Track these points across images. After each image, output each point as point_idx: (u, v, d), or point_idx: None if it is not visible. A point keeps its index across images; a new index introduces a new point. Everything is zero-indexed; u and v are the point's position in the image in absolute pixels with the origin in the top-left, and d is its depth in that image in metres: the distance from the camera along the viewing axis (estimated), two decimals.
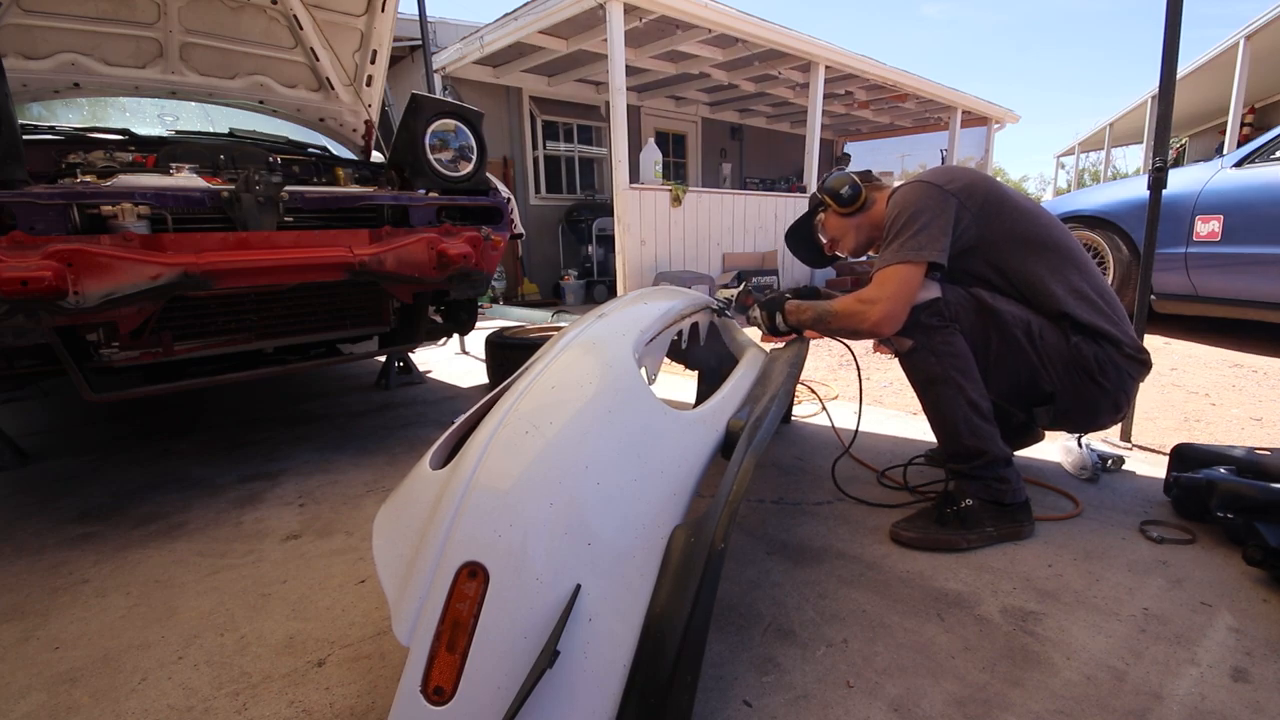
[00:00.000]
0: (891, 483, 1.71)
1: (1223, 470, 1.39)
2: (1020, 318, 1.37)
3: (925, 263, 1.31)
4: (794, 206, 6.89)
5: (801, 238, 1.78)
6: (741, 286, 1.85)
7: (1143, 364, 1.40)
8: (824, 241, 1.70)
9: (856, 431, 1.85)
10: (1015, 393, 1.43)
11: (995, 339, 1.37)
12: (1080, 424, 1.49)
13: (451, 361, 3.60)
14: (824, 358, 3.27)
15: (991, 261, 1.41)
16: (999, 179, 1.57)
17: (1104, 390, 1.37)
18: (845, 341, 1.70)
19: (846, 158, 9.81)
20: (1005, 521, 1.37)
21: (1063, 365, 1.37)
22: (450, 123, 2.12)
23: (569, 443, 0.86)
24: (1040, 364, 1.37)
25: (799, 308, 1.51)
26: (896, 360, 1.50)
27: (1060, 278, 1.38)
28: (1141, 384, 1.45)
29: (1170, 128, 1.77)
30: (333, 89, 2.80)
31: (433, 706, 0.68)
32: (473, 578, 0.72)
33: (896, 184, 1.51)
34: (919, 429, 2.07)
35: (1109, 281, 3.70)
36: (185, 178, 1.78)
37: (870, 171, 1.64)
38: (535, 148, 7.33)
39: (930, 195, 1.36)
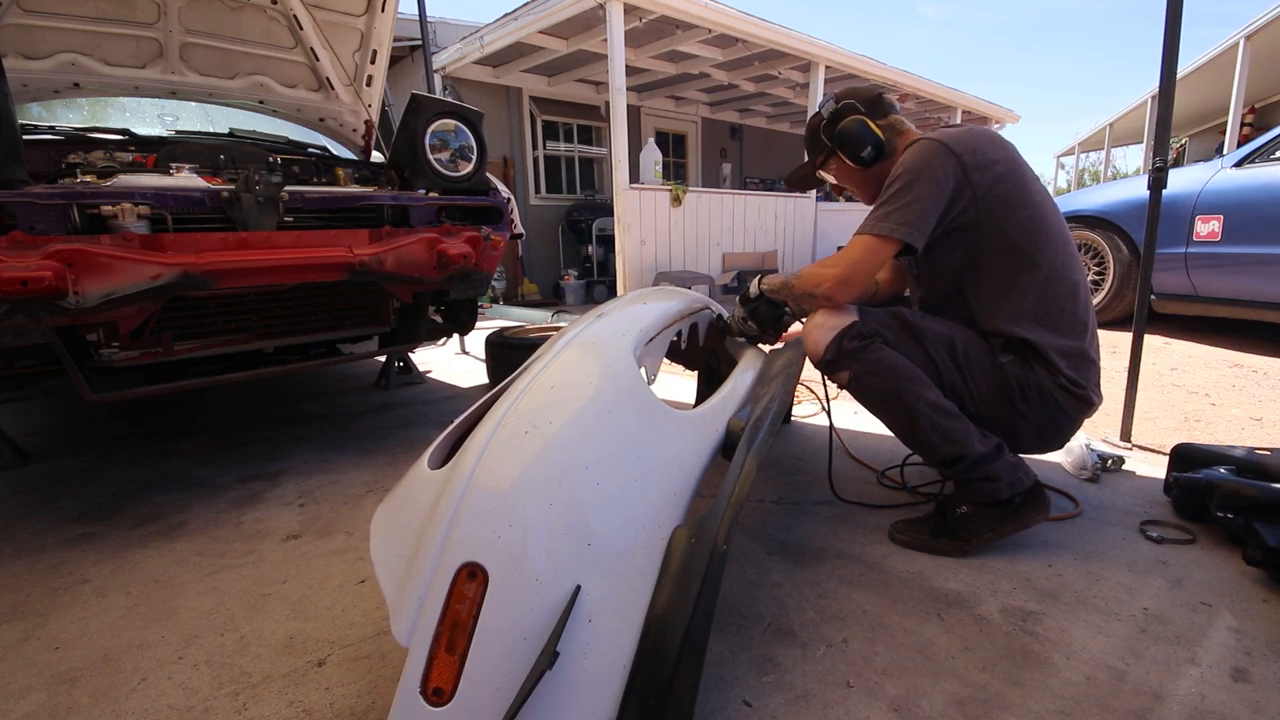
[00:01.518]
0: (891, 483, 1.71)
1: (1223, 470, 1.39)
2: (943, 334, 1.32)
3: (898, 241, 1.24)
4: (794, 206, 6.89)
5: (799, 179, 1.65)
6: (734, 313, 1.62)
7: (1080, 400, 1.30)
8: (828, 180, 1.57)
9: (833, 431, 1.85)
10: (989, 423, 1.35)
11: (920, 355, 1.31)
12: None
13: (451, 361, 3.60)
14: None
15: (971, 254, 1.32)
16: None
17: (1023, 417, 1.31)
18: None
19: None
20: (1007, 520, 1.29)
21: (986, 386, 1.30)
22: (450, 123, 2.12)
23: (569, 443, 0.86)
24: (963, 383, 1.31)
25: (770, 279, 1.49)
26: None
27: (1029, 298, 1.29)
28: (1086, 419, 1.37)
29: (1170, 128, 1.77)
30: (333, 89, 2.80)
31: (432, 707, 0.68)
32: (472, 578, 0.72)
33: (917, 136, 1.36)
34: None
35: (1108, 282, 3.72)
36: (185, 178, 1.78)
37: (884, 97, 1.44)
38: (535, 148, 7.33)
39: (936, 162, 1.25)
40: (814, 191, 7.09)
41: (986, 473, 1.28)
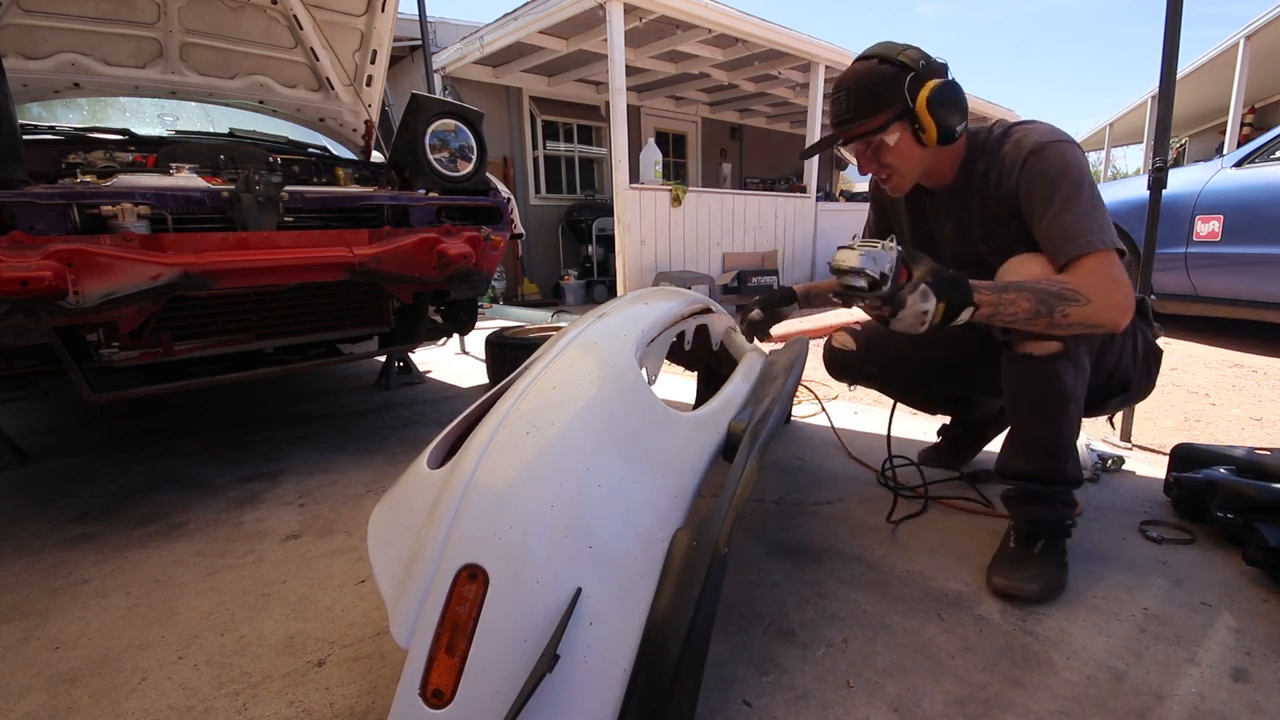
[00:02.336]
0: (893, 482, 1.71)
1: (1223, 470, 1.39)
2: None
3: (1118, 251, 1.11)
4: (794, 207, 6.89)
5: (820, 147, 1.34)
6: (891, 244, 1.06)
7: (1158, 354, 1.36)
8: (852, 161, 1.37)
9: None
10: (1095, 391, 1.26)
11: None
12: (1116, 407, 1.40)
13: (451, 361, 3.60)
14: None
15: None
16: None
17: (1139, 384, 1.33)
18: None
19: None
20: (1068, 535, 1.25)
21: (1133, 347, 1.28)
22: (450, 123, 2.12)
23: (570, 443, 0.86)
24: (1124, 349, 1.27)
25: (994, 298, 1.04)
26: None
27: None
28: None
29: (1170, 128, 1.77)
30: (333, 89, 2.80)
31: (431, 709, 0.67)
32: (472, 580, 0.72)
33: (1016, 121, 1.24)
34: (919, 428, 2.07)
35: None
36: (185, 178, 1.78)
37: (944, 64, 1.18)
38: (535, 148, 7.33)
39: (1084, 161, 1.16)
40: (814, 191, 7.09)
41: (1073, 498, 1.23)
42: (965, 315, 1.02)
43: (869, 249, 1.03)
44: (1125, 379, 1.29)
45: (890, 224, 1.52)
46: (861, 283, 1.03)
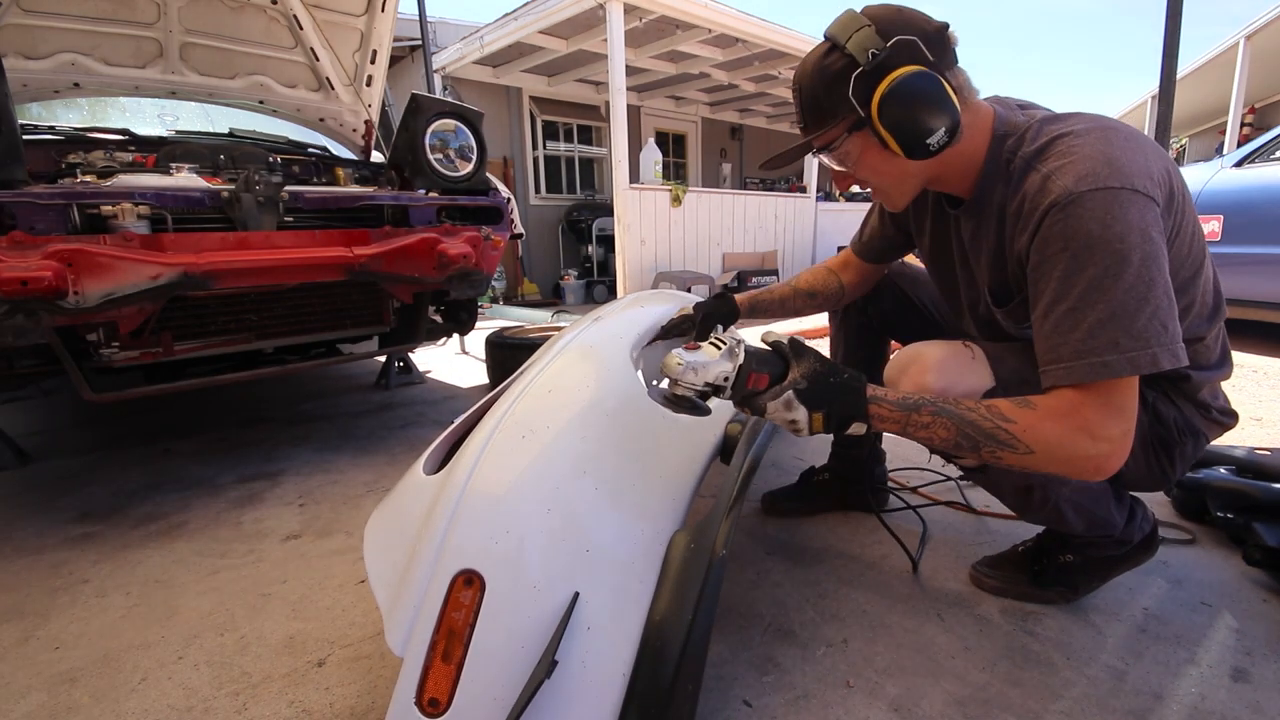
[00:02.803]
0: (893, 484, 1.71)
1: (1223, 470, 1.39)
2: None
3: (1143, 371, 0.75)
4: (794, 207, 6.89)
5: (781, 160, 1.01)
6: (733, 346, 0.86)
7: (1223, 427, 1.01)
8: (833, 172, 1.01)
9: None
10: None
11: None
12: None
13: (451, 361, 3.60)
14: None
15: None
16: None
17: (1173, 465, 1.00)
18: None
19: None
20: (1119, 565, 1.12)
21: (1138, 437, 0.91)
22: (450, 123, 2.12)
23: (566, 447, 0.85)
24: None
25: (901, 416, 0.82)
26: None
27: (1187, 318, 0.91)
28: None
29: (1170, 128, 1.77)
30: (333, 89, 2.80)
31: (428, 719, 0.67)
32: (468, 585, 0.71)
33: (990, 113, 0.91)
34: None
35: None
36: (185, 178, 1.78)
37: (947, 31, 0.84)
38: (535, 148, 7.33)
39: (1143, 219, 0.76)
40: (814, 191, 7.09)
41: (1119, 539, 1.08)
42: (856, 429, 0.83)
43: (697, 356, 0.85)
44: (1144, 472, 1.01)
45: (895, 232, 1.22)
46: (688, 393, 0.85)
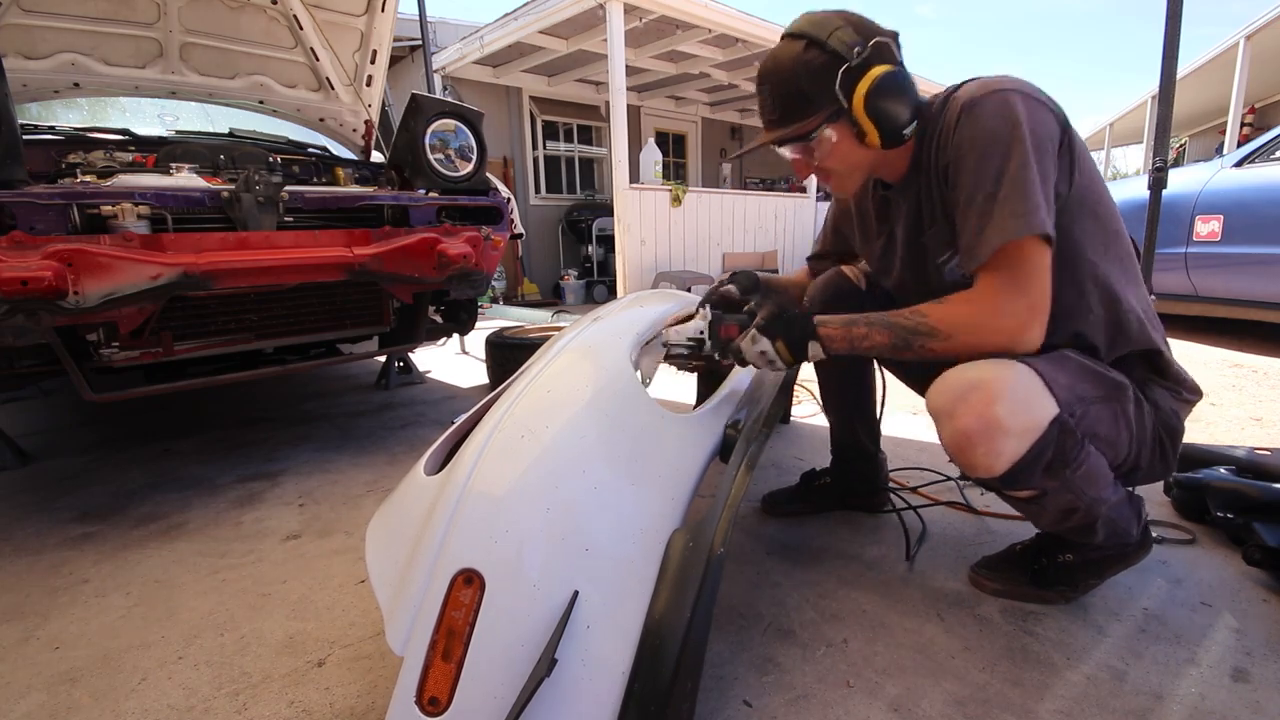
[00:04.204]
0: (893, 484, 1.71)
1: (1223, 470, 1.39)
2: (1122, 383, 0.97)
3: (1043, 237, 0.85)
4: (794, 206, 6.89)
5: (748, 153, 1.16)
6: (704, 311, 1.15)
7: (1192, 405, 1.06)
8: (794, 160, 1.06)
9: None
10: None
11: (1112, 425, 0.95)
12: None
13: (451, 361, 3.60)
14: None
15: (1068, 251, 0.93)
16: None
17: (1175, 450, 1.04)
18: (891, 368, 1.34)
19: None
20: (1116, 563, 1.11)
21: (1149, 429, 0.99)
22: (450, 123, 2.12)
23: (565, 447, 0.85)
24: (1137, 436, 0.98)
25: (844, 331, 0.97)
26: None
27: (1132, 287, 0.98)
28: None
29: (1170, 128, 1.77)
30: (333, 89, 2.81)
31: (428, 717, 0.67)
32: (468, 585, 0.71)
33: (944, 88, 0.99)
34: (917, 429, 2.07)
35: None
36: (185, 178, 1.78)
37: (898, 41, 0.95)
38: (535, 148, 7.33)
39: (1034, 116, 0.87)
40: (814, 191, 7.09)
41: (1122, 537, 1.07)
42: (815, 350, 0.99)
43: (683, 325, 1.16)
44: (1133, 464, 1.01)
45: (849, 233, 1.29)
46: (682, 351, 1.16)
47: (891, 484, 1.70)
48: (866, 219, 1.21)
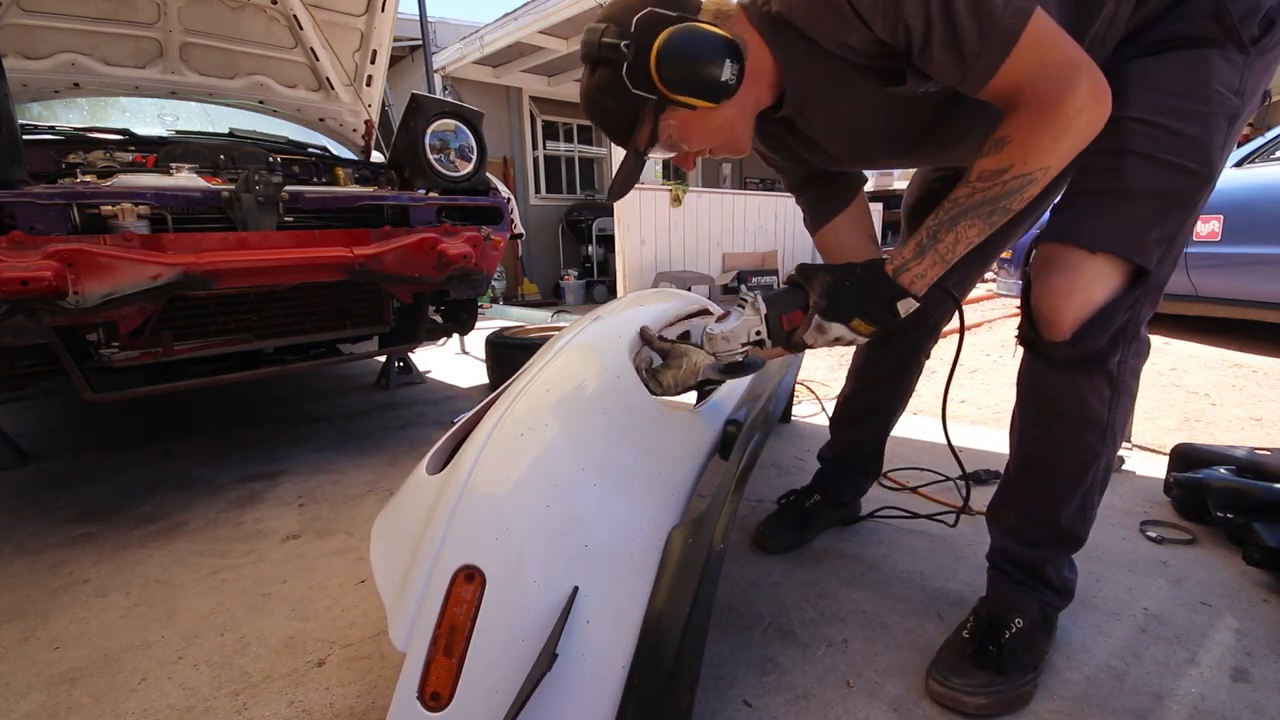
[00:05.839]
0: (893, 484, 1.71)
1: (1223, 470, 1.39)
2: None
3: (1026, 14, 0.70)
4: (794, 207, 6.86)
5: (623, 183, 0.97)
6: (750, 305, 0.94)
7: None
8: (673, 158, 0.96)
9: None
10: None
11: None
12: None
13: (451, 361, 3.60)
14: (823, 357, 3.27)
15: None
16: None
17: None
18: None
19: None
20: (1051, 632, 1.00)
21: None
22: (450, 123, 2.12)
23: (565, 445, 0.86)
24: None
25: (930, 259, 0.82)
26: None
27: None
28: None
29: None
30: (333, 89, 2.81)
31: (430, 712, 0.67)
32: (469, 581, 0.72)
33: (759, 5, 0.86)
34: (917, 429, 2.07)
35: None
36: (185, 178, 1.78)
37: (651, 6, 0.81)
38: (535, 148, 7.33)
39: None
40: None
41: (1071, 576, 1.00)
42: (907, 306, 0.83)
43: (726, 324, 0.94)
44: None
45: (798, 168, 1.16)
46: (737, 357, 0.94)
47: (890, 483, 1.70)
48: (794, 147, 1.07)
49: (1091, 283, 0.82)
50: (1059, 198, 0.90)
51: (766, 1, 0.84)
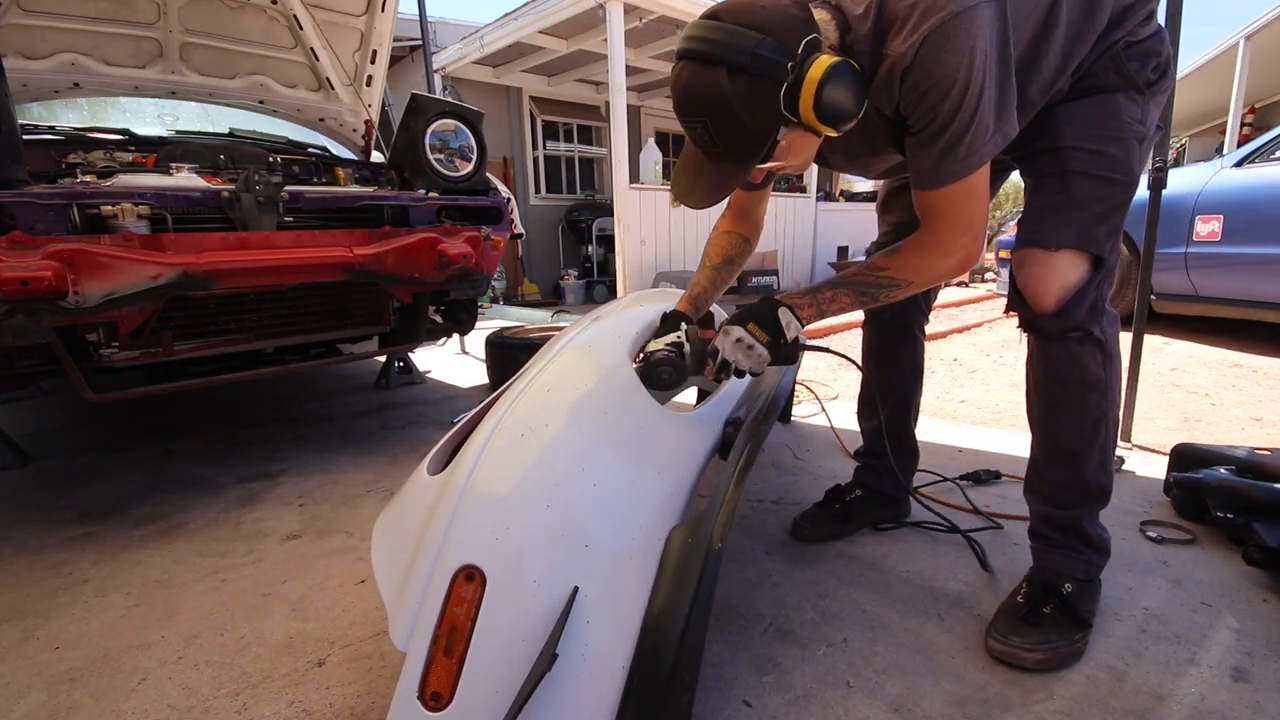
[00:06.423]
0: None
1: (1223, 470, 1.39)
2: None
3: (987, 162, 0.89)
4: (794, 206, 6.89)
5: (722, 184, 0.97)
6: (672, 326, 1.15)
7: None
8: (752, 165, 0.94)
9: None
10: None
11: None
12: None
13: (451, 361, 3.60)
14: (824, 357, 3.27)
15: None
16: None
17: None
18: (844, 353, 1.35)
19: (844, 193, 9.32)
20: (1098, 591, 1.11)
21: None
22: (450, 123, 2.12)
23: (565, 445, 0.86)
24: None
25: (810, 299, 1.01)
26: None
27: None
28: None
29: (1170, 128, 1.77)
30: (333, 89, 2.80)
31: (430, 712, 0.67)
32: (470, 581, 0.72)
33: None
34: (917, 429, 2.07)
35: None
36: (185, 178, 1.78)
37: (806, 17, 0.85)
38: (535, 148, 7.33)
39: (990, 30, 0.82)
40: (814, 191, 7.09)
41: (1104, 532, 1.11)
42: (787, 318, 1.00)
43: (656, 348, 1.09)
44: None
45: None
46: (667, 370, 1.06)
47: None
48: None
49: (1065, 269, 1.00)
50: (1021, 212, 1.09)
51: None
